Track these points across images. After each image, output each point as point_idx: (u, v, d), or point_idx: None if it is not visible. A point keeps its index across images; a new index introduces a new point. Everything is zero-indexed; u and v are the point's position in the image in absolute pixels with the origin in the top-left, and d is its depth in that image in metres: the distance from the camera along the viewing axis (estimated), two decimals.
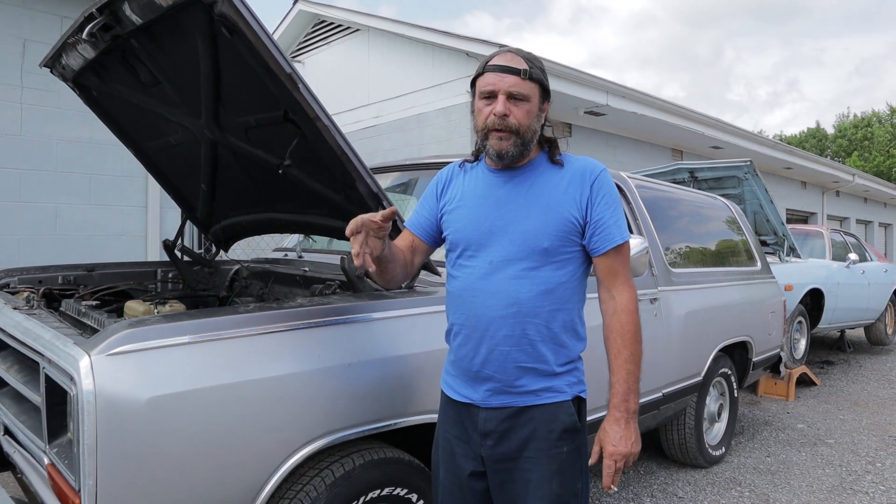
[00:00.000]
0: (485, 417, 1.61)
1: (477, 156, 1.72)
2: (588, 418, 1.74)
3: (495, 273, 1.58)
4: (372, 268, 1.44)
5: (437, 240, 1.78)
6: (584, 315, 1.68)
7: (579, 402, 1.65)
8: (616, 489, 1.61)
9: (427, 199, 1.80)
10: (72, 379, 1.46)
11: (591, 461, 1.60)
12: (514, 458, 1.59)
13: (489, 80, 1.55)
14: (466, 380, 1.64)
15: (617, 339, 1.58)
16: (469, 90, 1.66)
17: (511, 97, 1.54)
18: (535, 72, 1.57)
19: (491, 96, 1.56)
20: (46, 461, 1.67)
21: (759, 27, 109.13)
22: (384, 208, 2.10)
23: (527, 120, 1.56)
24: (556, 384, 1.60)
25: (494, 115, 1.54)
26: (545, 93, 1.61)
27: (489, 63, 1.57)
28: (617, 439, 1.55)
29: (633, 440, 1.56)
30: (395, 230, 2.07)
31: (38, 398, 1.75)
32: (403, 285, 2.16)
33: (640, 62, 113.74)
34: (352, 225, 1.44)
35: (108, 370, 1.46)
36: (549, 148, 1.65)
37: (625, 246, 1.61)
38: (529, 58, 1.59)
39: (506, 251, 1.57)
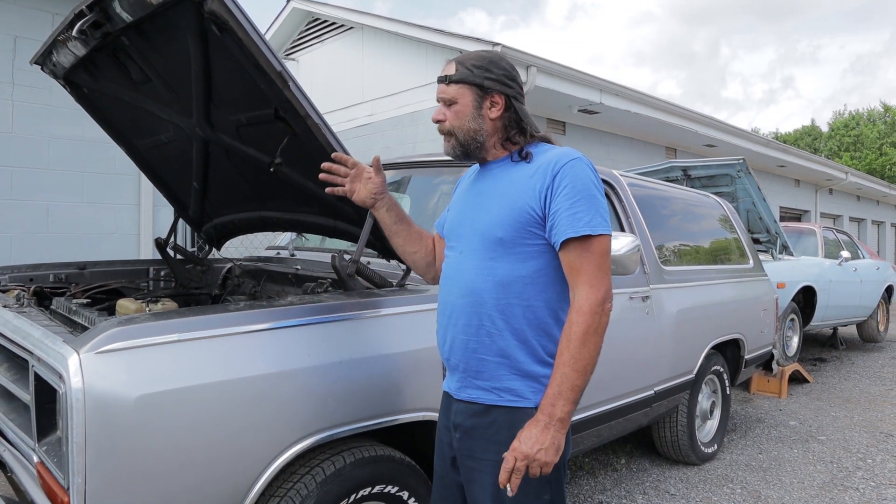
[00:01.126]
0: (456, 409, 1.63)
1: None
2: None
3: (461, 263, 1.62)
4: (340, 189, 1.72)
5: None
6: (561, 315, 1.57)
7: None
8: (510, 492, 1.43)
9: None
10: (60, 377, 1.46)
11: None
12: (479, 458, 1.56)
13: None
14: (447, 369, 1.69)
15: (562, 339, 1.46)
16: None
17: (445, 103, 1.63)
18: (460, 73, 1.60)
19: None
20: (36, 459, 1.67)
21: (754, 24, 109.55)
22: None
23: (457, 120, 1.61)
24: (518, 387, 1.53)
25: (432, 120, 1.66)
26: (481, 89, 1.60)
27: None
28: (525, 437, 1.43)
29: (543, 446, 1.41)
30: None
31: (27, 396, 1.74)
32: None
33: (636, 59, 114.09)
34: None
35: (97, 368, 1.46)
36: (510, 141, 1.64)
37: (587, 241, 1.47)
38: (462, 60, 1.63)
39: (469, 241, 1.61)
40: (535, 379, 1.54)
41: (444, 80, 1.62)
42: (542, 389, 1.52)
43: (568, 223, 1.47)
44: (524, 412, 1.51)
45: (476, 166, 1.77)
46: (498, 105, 1.61)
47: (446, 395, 1.70)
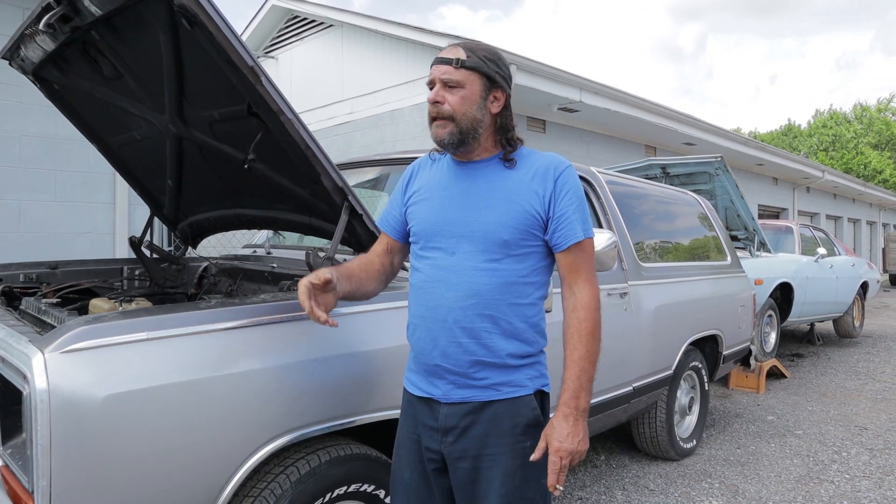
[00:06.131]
0: (445, 413, 1.59)
1: None
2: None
3: (456, 265, 1.57)
4: (335, 324, 1.50)
5: (408, 235, 1.76)
6: (543, 311, 1.66)
7: (542, 396, 1.64)
8: (561, 489, 1.52)
9: (395, 194, 1.80)
10: (25, 377, 1.42)
11: (535, 457, 1.54)
12: (476, 455, 1.57)
13: (430, 72, 1.62)
14: (426, 374, 1.63)
15: (573, 335, 1.56)
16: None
17: (445, 85, 1.57)
18: (472, 61, 1.57)
19: (432, 86, 1.61)
20: (0, 462, 1.63)
21: (741, 22, 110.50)
22: (349, 203, 2.08)
23: (461, 106, 1.56)
24: (517, 378, 1.59)
25: (428, 101, 1.60)
26: (490, 81, 1.59)
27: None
28: (563, 436, 1.51)
29: (580, 438, 1.52)
30: (372, 238, 2.04)
31: None
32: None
33: (622, 56, 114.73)
34: (301, 298, 1.47)
35: (63, 368, 1.42)
36: (509, 143, 1.64)
37: (587, 243, 1.60)
38: (471, 48, 1.60)
39: (466, 243, 1.57)
40: (531, 367, 1.61)
41: (454, 62, 1.56)
42: (537, 376, 1.62)
43: (578, 227, 1.58)
44: (524, 400, 1.59)
45: (429, 160, 1.75)
46: (499, 101, 1.62)
47: (425, 400, 1.64)
